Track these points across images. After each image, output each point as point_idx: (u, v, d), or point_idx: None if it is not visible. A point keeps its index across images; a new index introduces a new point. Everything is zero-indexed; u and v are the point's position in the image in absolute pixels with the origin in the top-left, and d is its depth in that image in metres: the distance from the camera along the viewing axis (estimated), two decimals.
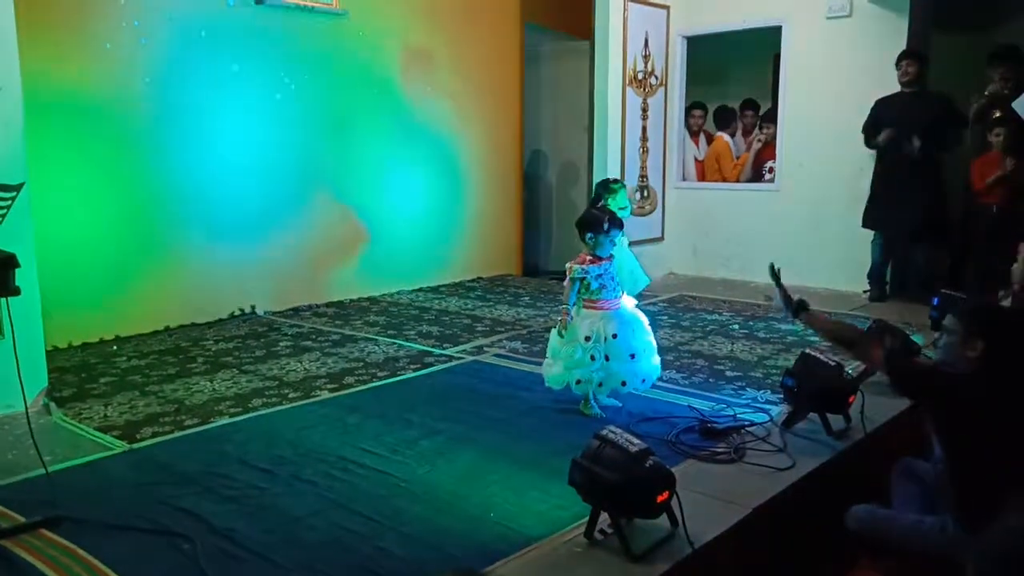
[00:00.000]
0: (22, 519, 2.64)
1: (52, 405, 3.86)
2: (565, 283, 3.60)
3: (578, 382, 3.57)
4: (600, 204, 4.38)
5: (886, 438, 3.39)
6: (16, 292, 2.57)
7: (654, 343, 3.72)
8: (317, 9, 6.05)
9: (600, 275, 3.55)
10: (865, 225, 6.19)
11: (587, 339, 3.51)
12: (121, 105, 5.13)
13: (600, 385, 3.59)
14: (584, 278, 3.53)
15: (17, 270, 2.54)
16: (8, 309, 2.69)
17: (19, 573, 2.35)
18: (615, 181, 5.10)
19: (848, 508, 2.73)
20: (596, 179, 6.87)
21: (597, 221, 3.58)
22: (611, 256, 3.62)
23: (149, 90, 5.25)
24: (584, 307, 3.59)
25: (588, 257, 3.57)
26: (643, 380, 3.66)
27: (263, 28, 5.78)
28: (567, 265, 3.60)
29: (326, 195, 6.29)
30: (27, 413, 3.05)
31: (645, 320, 3.71)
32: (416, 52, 6.82)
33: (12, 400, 3.44)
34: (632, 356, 3.56)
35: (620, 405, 3.72)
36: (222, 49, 5.57)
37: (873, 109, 6.04)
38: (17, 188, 2.71)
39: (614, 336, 3.52)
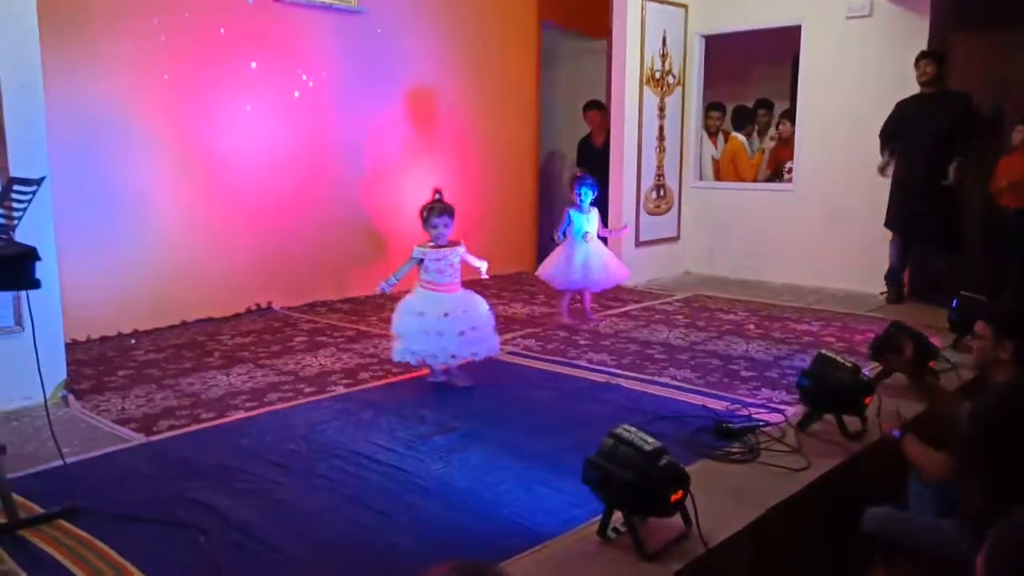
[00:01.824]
0: (41, 510, 2.67)
1: (71, 398, 3.90)
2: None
3: (413, 353, 3.96)
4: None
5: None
6: (36, 285, 2.59)
7: (490, 325, 4.12)
8: (335, 6, 6.07)
9: (438, 260, 4.02)
10: (886, 225, 6.15)
11: (421, 314, 3.95)
12: (140, 101, 5.17)
13: (433, 356, 3.97)
14: (422, 260, 4.00)
15: (38, 263, 2.56)
16: (28, 302, 2.72)
17: (37, 563, 2.38)
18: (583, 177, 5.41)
19: (864, 510, 2.71)
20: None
21: (421, 212, 4.07)
22: (451, 244, 4.08)
23: (168, 86, 5.29)
24: (423, 287, 4.05)
25: (430, 243, 4.02)
26: (474, 353, 4.04)
27: (282, 25, 5.81)
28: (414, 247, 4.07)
29: (342, 192, 6.31)
30: (46, 405, 3.08)
31: (482, 304, 4.13)
32: (432, 50, 6.84)
33: (31, 392, 3.47)
34: (461, 334, 3.96)
35: (470, 384, 4.06)
36: (241, 46, 5.61)
37: (893, 111, 5.99)
38: (38, 182, 2.73)
39: (445, 315, 3.95)
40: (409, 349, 3.95)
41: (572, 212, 5.34)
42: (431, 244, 4.04)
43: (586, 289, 5.54)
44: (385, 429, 3.47)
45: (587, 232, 5.35)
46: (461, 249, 4.12)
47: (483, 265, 4.31)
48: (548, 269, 5.48)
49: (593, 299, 5.77)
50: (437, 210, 4.03)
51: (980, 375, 2.70)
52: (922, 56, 5.87)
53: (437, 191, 4.14)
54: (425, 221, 4.04)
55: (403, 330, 3.99)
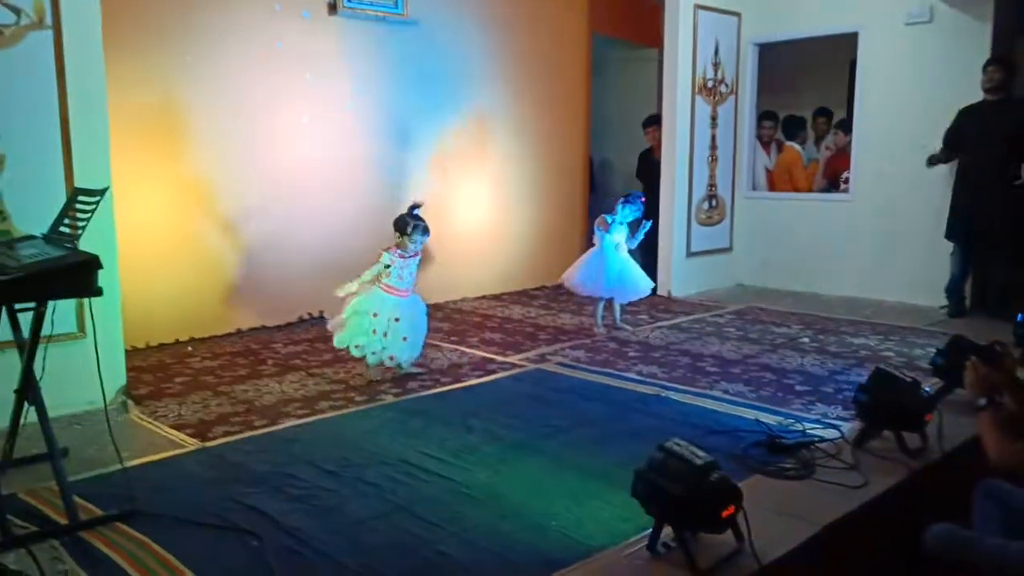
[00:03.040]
0: (100, 512, 2.74)
1: (130, 403, 3.99)
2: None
3: (357, 346, 4.29)
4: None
5: (965, 458, 3.25)
6: (98, 293, 2.66)
7: (423, 335, 4.52)
8: (389, 19, 6.15)
9: (403, 267, 4.35)
10: (947, 236, 5.99)
11: (375, 315, 4.27)
12: (199, 114, 5.30)
13: (373, 354, 4.30)
14: (390, 265, 4.32)
15: (100, 272, 2.63)
16: (91, 309, 2.80)
17: (96, 564, 2.43)
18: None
19: (924, 529, 2.63)
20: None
21: (404, 224, 4.37)
22: (416, 254, 4.41)
23: (226, 99, 5.41)
24: (381, 289, 4.34)
25: (398, 251, 4.34)
26: (409, 359, 4.44)
27: (336, 38, 5.90)
28: (380, 249, 4.37)
29: (393, 203, 6.35)
30: (106, 410, 3.17)
31: (423, 313, 4.50)
32: (483, 61, 6.88)
33: (93, 397, 3.56)
34: (404, 339, 4.32)
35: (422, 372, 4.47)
36: (297, 59, 5.71)
37: (956, 118, 5.84)
38: (101, 193, 2.82)
39: (396, 320, 4.30)
40: (355, 343, 4.29)
41: (608, 217, 5.46)
42: (398, 252, 4.36)
43: (612, 299, 5.57)
44: (434, 438, 3.48)
45: (617, 243, 5.43)
46: (418, 260, 4.48)
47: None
48: (573, 277, 5.55)
49: (624, 310, 5.77)
50: (422, 229, 4.39)
51: None
52: (991, 62, 5.72)
53: (417, 206, 4.45)
54: (407, 235, 4.35)
55: (354, 325, 4.30)
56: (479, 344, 5.25)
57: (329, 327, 4.46)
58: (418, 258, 4.45)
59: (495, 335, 5.53)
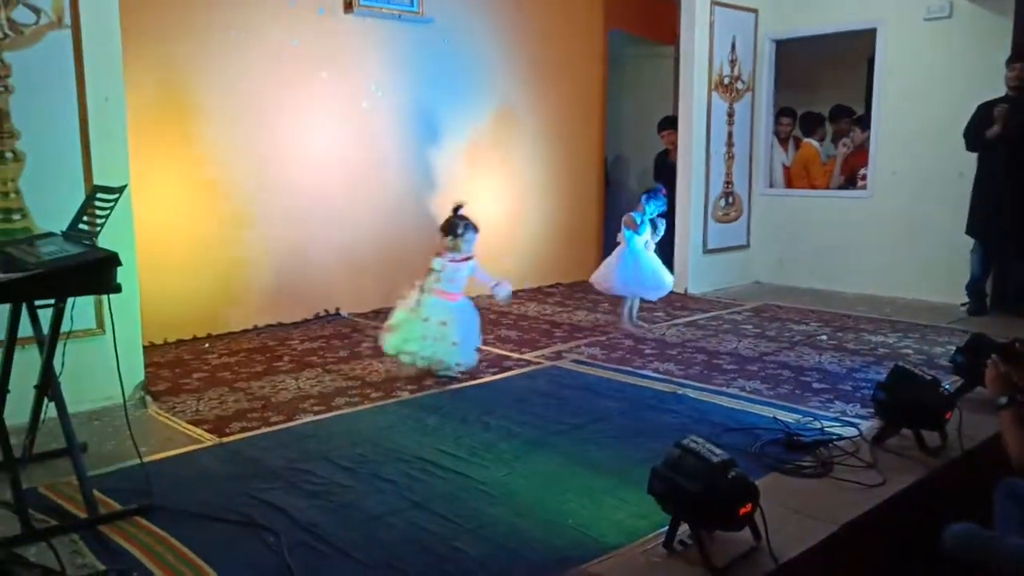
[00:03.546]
0: (118, 506, 2.76)
1: (148, 399, 4.02)
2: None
3: (408, 353, 4.28)
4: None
5: (985, 457, 3.22)
6: (117, 289, 2.68)
7: (479, 338, 4.51)
8: (404, 17, 6.16)
9: (454, 271, 4.33)
10: (968, 232, 5.93)
11: (425, 320, 4.25)
12: (215, 111, 5.33)
13: (423, 359, 4.27)
14: (441, 270, 4.30)
15: (118, 268, 2.65)
16: (110, 305, 2.82)
17: (115, 557, 2.45)
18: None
19: (944, 528, 2.60)
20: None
21: (454, 227, 4.35)
22: (469, 256, 4.39)
23: (242, 97, 5.43)
24: (432, 294, 4.32)
25: (449, 255, 4.32)
26: (458, 364, 4.34)
27: (351, 36, 5.92)
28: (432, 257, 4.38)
29: (409, 201, 6.38)
30: (125, 405, 3.19)
31: (476, 318, 4.46)
32: (499, 59, 6.88)
33: (111, 392, 3.60)
34: (454, 344, 4.27)
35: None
36: (312, 57, 5.73)
37: (976, 113, 5.78)
38: (120, 190, 2.84)
39: (444, 323, 4.25)
40: (405, 350, 4.29)
41: (636, 215, 5.40)
42: (449, 257, 4.36)
43: (636, 296, 5.58)
44: (450, 435, 3.48)
45: (646, 241, 5.42)
46: (474, 263, 4.45)
47: (493, 283, 4.55)
48: (610, 279, 5.50)
49: (642, 307, 5.79)
50: (472, 227, 4.40)
51: None
52: (1015, 58, 5.65)
53: (460, 206, 4.43)
54: (459, 236, 4.35)
55: (404, 331, 4.30)
56: (495, 341, 5.25)
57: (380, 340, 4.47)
58: (472, 261, 4.43)
59: (511, 332, 5.53)
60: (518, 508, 2.78)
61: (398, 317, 4.36)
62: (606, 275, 5.52)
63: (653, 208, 5.39)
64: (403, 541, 2.55)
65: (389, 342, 4.34)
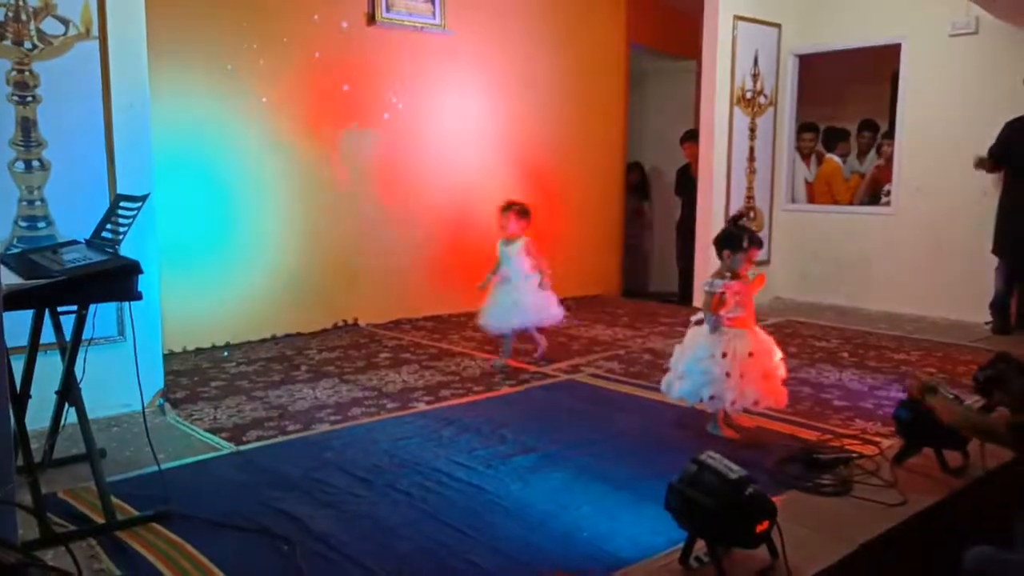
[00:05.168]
0: (136, 512, 2.78)
1: (167, 406, 4.05)
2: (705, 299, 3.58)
3: (712, 398, 3.47)
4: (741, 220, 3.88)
5: (1008, 478, 3.17)
6: (138, 297, 2.71)
7: (783, 366, 3.64)
8: (426, 29, 6.20)
9: (738, 292, 3.48)
10: (993, 251, 5.86)
11: (724, 355, 3.43)
12: (238, 122, 5.39)
13: (733, 403, 3.47)
14: (723, 292, 3.45)
15: (140, 277, 2.68)
16: (131, 313, 2.85)
17: (131, 563, 2.47)
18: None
19: (965, 550, 2.56)
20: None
21: (737, 240, 3.52)
22: (748, 275, 3.56)
23: (266, 109, 5.49)
24: (723, 325, 3.49)
25: (727, 274, 3.52)
26: (776, 399, 3.57)
27: (373, 48, 5.96)
28: (705, 281, 3.58)
29: (427, 211, 6.40)
30: (143, 412, 3.21)
31: (772, 341, 3.66)
32: (521, 71, 6.90)
33: (131, 399, 3.62)
34: (765, 376, 3.50)
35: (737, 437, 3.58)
36: (334, 69, 5.78)
37: (1003, 132, 5.72)
38: (143, 199, 2.87)
39: (750, 355, 3.45)
40: (707, 395, 3.49)
41: None
42: (729, 275, 3.52)
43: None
44: (465, 447, 3.48)
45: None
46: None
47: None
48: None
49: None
50: (758, 241, 3.62)
51: None
52: None
53: (741, 216, 3.85)
54: (743, 250, 3.50)
55: (698, 376, 3.51)
56: (512, 354, 5.23)
57: (662, 387, 3.71)
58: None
59: (528, 345, 5.51)
60: (533, 522, 2.76)
61: (684, 366, 3.56)
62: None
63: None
64: (417, 553, 2.54)
65: (678, 390, 3.57)
